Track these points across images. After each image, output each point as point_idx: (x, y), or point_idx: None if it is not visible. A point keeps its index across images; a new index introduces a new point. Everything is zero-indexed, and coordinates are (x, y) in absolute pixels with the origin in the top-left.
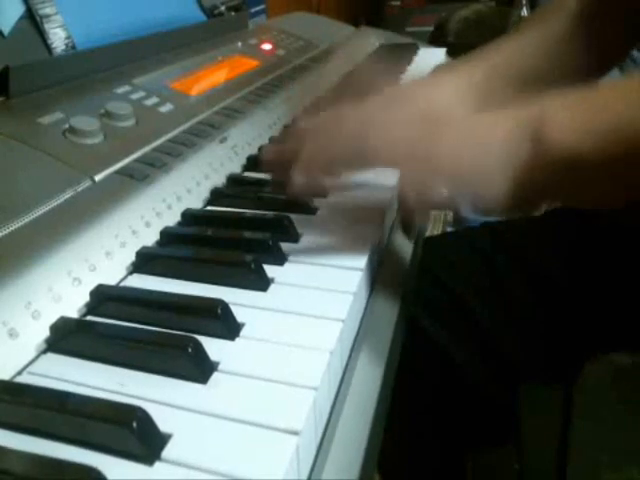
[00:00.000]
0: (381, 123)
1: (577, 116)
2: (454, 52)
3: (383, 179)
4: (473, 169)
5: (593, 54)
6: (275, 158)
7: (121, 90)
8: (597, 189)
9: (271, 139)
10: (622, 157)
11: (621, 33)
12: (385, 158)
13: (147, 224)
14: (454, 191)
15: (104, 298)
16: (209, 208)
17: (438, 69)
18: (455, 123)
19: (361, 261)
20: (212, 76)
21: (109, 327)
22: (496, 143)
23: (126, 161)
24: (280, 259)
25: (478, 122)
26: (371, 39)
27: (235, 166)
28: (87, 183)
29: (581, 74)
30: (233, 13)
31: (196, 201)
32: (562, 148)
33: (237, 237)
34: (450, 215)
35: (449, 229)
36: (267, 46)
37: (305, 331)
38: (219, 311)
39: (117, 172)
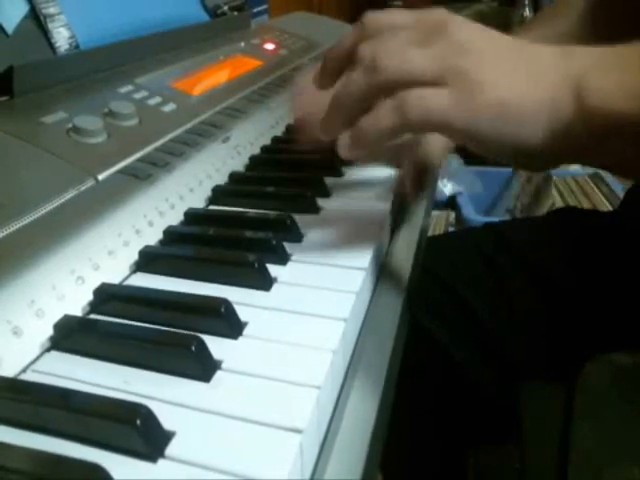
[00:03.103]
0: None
1: (616, 78)
2: None
3: (385, 178)
4: (518, 110)
5: None
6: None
7: (124, 90)
8: (634, 156)
9: (273, 139)
10: None
11: (628, 32)
12: (429, 77)
13: (150, 223)
14: (492, 127)
15: (107, 297)
16: (212, 207)
17: None
18: (508, 51)
19: (364, 261)
20: (215, 76)
21: (112, 325)
22: (544, 93)
23: (129, 160)
24: (283, 258)
25: (530, 60)
26: None
27: (238, 166)
28: (90, 182)
29: None
30: (236, 13)
31: (199, 200)
32: (604, 112)
33: (240, 236)
34: (452, 215)
35: (451, 229)
36: (269, 46)
37: (308, 330)
38: (222, 310)
39: (120, 171)
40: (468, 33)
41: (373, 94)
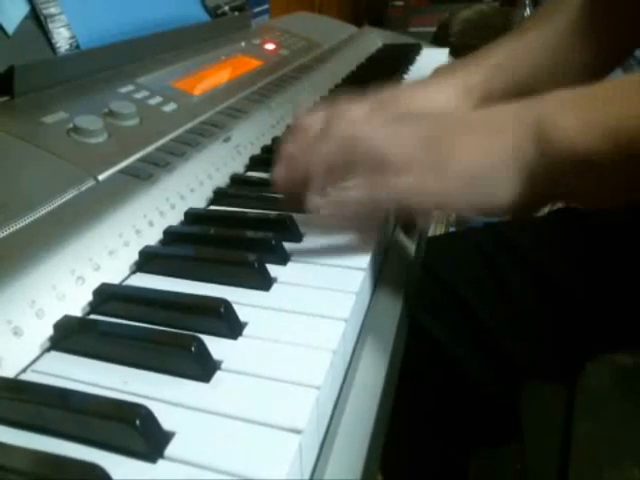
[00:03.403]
0: (384, 127)
1: (581, 115)
2: (457, 52)
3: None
4: (482, 180)
5: (597, 52)
6: (286, 182)
7: (125, 89)
8: (604, 187)
9: (274, 139)
10: (630, 152)
11: (625, 31)
12: (392, 165)
13: (150, 223)
14: (463, 202)
15: (108, 297)
16: (212, 208)
17: (437, 71)
18: (460, 127)
19: (364, 261)
20: (215, 76)
21: (113, 326)
22: (503, 150)
23: (130, 160)
24: (283, 259)
25: (483, 125)
26: (374, 39)
27: (238, 166)
28: (91, 182)
29: (584, 72)
30: (236, 13)
31: (199, 200)
32: (568, 147)
33: (240, 236)
34: (453, 215)
35: (452, 229)
36: (270, 46)
37: (308, 330)
38: (222, 310)
39: (121, 171)
40: (420, 122)
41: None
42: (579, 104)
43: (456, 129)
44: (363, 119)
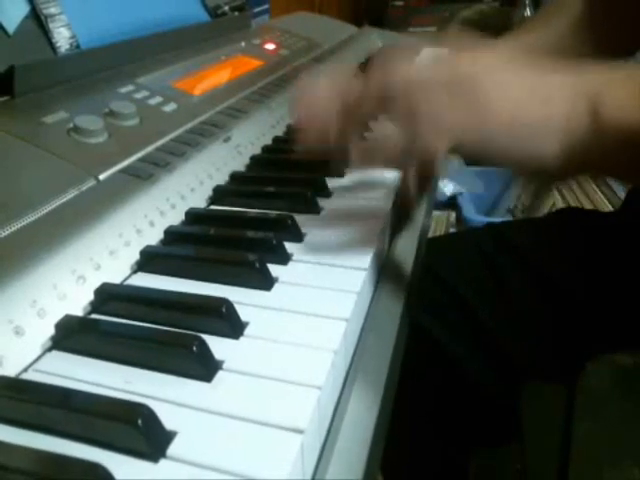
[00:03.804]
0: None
1: (632, 93)
2: None
3: (386, 178)
4: (530, 128)
5: (597, 53)
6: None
7: (125, 89)
8: None
9: (274, 139)
10: None
11: (625, 32)
12: (432, 97)
13: (151, 223)
14: (505, 145)
15: (109, 296)
16: (213, 207)
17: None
18: (518, 74)
19: (365, 261)
20: (215, 76)
21: (114, 325)
22: (556, 109)
23: (130, 160)
24: (284, 258)
25: (540, 80)
26: (374, 39)
27: (239, 165)
28: (91, 182)
29: None
30: (236, 13)
31: (200, 200)
32: (620, 125)
33: (241, 236)
34: (453, 215)
35: (452, 230)
36: (270, 46)
37: (309, 330)
38: (223, 310)
39: (121, 171)
40: (478, 69)
41: (383, 108)
42: (630, 84)
43: (513, 74)
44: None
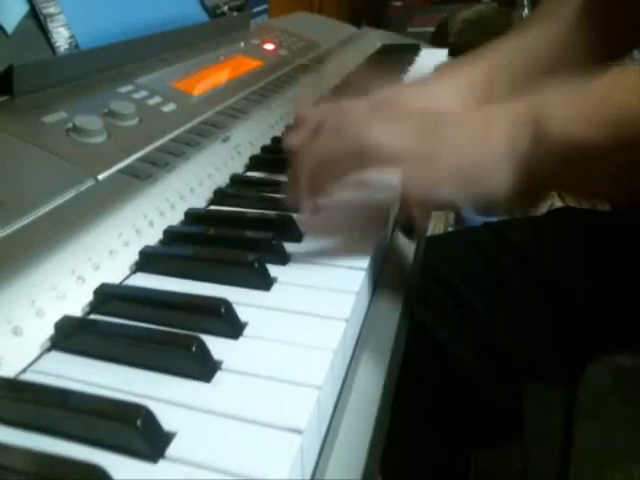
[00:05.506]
0: (382, 122)
1: (578, 107)
2: (456, 52)
3: (386, 178)
4: (476, 167)
5: (595, 51)
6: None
7: (124, 89)
8: (599, 180)
9: (274, 139)
10: (625, 145)
11: (623, 31)
12: (387, 156)
13: (150, 223)
14: (457, 190)
15: (108, 297)
16: (212, 207)
17: (439, 69)
18: (455, 121)
19: (364, 261)
20: (215, 76)
21: (113, 326)
22: (497, 140)
23: (129, 160)
24: (283, 259)
25: (477, 119)
26: (373, 39)
27: (238, 166)
28: (90, 182)
29: (584, 71)
30: (235, 13)
31: (199, 200)
32: (565, 140)
33: (240, 236)
34: (452, 215)
35: (451, 229)
36: (269, 46)
37: (308, 330)
38: (223, 310)
39: (120, 171)
40: (416, 118)
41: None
42: (574, 99)
43: (451, 122)
44: (362, 116)
